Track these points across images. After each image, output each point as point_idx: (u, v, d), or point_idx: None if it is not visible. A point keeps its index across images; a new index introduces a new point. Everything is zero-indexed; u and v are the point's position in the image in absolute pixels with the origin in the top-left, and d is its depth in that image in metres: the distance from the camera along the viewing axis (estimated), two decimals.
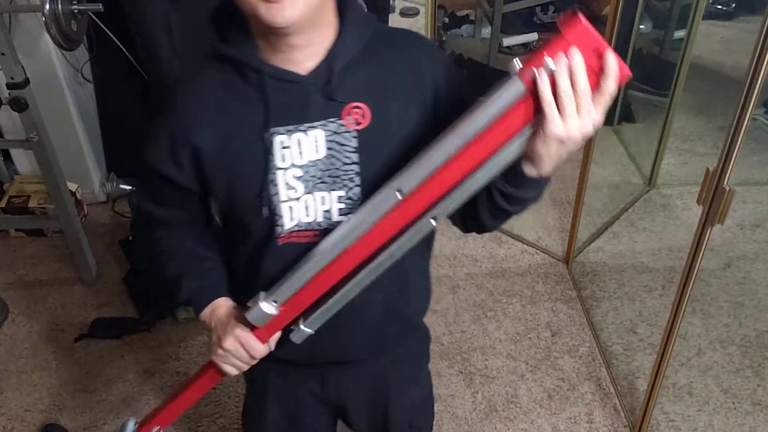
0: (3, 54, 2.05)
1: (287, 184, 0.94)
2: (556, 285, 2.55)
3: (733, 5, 4.49)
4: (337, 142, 0.93)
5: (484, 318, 2.42)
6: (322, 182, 0.95)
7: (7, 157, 2.95)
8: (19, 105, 2.13)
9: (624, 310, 2.43)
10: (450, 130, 0.84)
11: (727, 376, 2.17)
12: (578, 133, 0.82)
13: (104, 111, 3.01)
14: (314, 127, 0.93)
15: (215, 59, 0.99)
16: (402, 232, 0.91)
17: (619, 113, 3.40)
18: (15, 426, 2.09)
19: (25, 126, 2.21)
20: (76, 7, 2.21)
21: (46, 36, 2.36)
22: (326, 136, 0.93)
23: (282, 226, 0.97)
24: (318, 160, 0.94)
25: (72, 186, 2.76)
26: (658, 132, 2.95)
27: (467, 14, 4.54)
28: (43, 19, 2.11)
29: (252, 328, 1.01)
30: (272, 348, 1.05)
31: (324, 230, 0.97)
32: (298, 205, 0.96)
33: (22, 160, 2.91)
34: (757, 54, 1.28)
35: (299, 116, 0.93)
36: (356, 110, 0.93)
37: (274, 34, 0.89)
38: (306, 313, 1.00)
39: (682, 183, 3.07)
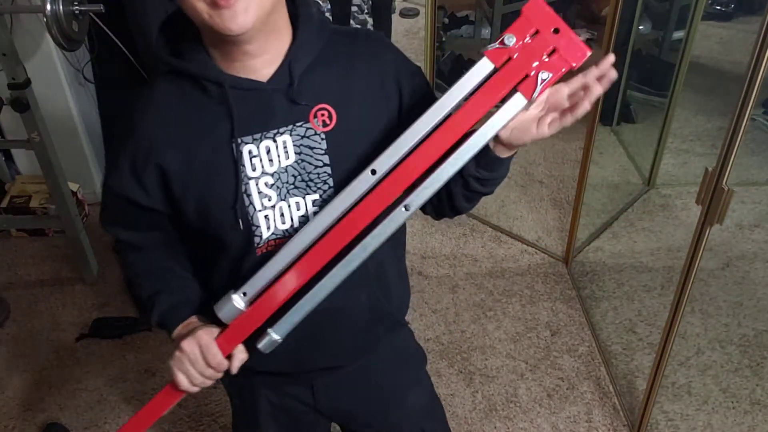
0: (4, 54, 2.06)
1: (260, 192, 0.93)
2: (555, 285, 2.56)
3: (732, 6, 4.50)
4: (307, 146, 0.92)
5: (484, 318, 2.42)
6: (294, 187, 0.94)
7: (9, 157, 2.96)
8: (20, 105, 2.14)
9: (623, 309, 2.43)
10: (424, 113, 0.85)
11: (726, 376, 2.17)
12: (528, 140, 0.86)
13: (105, 111, 3.01)
14: (281, 133, 0.92)
15: (169, 74, 0.94)
16: (375, 223, 0.89)
17: (619, 114, 3.41)
18: (16, 425, 2.09)
19: (27, 126, 2.21)
20: (77, 7, 2.21)
21: (48, 36, 2.36)
22: (294, 141, 0.92)
23: (260, 236, 0.95)
24: (289, 165, 0.93)
25: (73, 186, 2.77)
26: (658, 132, 2.96)
27: (467, 15, 4.54)
28: (44, 19, 2.11)
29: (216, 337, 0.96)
30: (231, 365, 0.97)
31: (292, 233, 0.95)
32: (274, 213, 0.94)
33: (24, 160, 2.92)
34: (756, 54, 1.29)
35: (265, 123, 0.91)
36: (322, 112, 0.92)
37: (229, 43, 0.87)
38: (273, 320, 0.95)
39: (681, 183, 3.07)
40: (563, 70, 0.82)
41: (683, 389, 2.13)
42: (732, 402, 2.09)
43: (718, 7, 4.50)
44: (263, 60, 0.90)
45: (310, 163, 0.93)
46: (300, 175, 0.93)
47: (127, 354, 2.31)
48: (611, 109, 3.37)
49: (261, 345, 0.95)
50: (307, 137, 0.92)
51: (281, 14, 0.90)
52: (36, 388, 2.21)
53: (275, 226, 0.95)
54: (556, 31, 0.80)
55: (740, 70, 1.33)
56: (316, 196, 0.94)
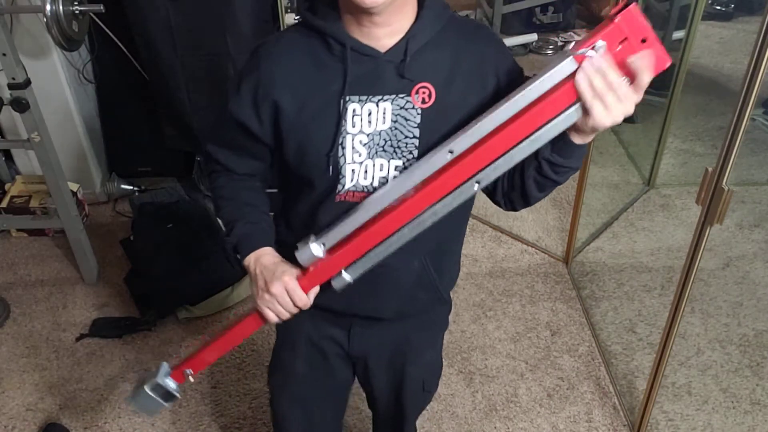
0: (4, 54, 2.05)
1: (353, 148, 1.03)
2: (555, 285, 2.56)
3: (732, 6, 4.50)
4: (403, 117, 1.02)
5: (484, 317, 2.42)
6: (383, 150, 1.03)
7: (9, 157, 2.96)
8: (20, 105, 2.14)
9: (623, 309, 2.43)
10: (503, 100, 0.91)
11: (726, 376, 2.17)
12: (620, 117, 0.88)
13: (105, 111, 3.02)
14: (384, 100, 1.01)
15: (301, 27, 1.05)
16: (447, 193, 0.97)
17: None
18: (16, 425, 2.09)
19: (27, 126, 2.21)
20: (77, 7, 2.21)
21: (48, 36, 2.36)
22: (393, 110, 1.01)
23: (343, 185, 1.05)
24: (383, 130, 1.02)
25: (73, 186, 2.77)
26: (658, 132, 2.96)
27: (467, 15, 4.55)
28: (45, 19, 2.12)
29: (297, 278, 1.08)
30: (311, 302, 1.10)
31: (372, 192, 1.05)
32: (360, 169, 1.04)
33: (24, 160, 2.92)
34: (755, 54, 1.29)
35: (373, 88, 1.01)
36: (424, 89, 1.01)
37: (360, 12, 0.96)
38: (348, 265, 1.06)
39: (681, 183, 3.08)
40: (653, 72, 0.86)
41: (683, 389, 2.14)
42: (732, 402, 2.09)
43: (718, 7, 4.50)
44: (386, 31, 0.99)
45: (401, 132, 1.02)
46: (390, 140, 1.03)
47: (127, 354, 2.31)
48: None
49: (334, 282, 1.08)
50: (405, 109, 1.01)
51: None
52: (36, 388, 2.21)
53: (357, 180, 1.04)
54: (644, 41, 0.84)
55: (740, 70, 1.33)
56: (399, 163, 1.03)
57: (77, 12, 2.23)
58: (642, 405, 1.93)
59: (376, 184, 1.04)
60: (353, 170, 1.04)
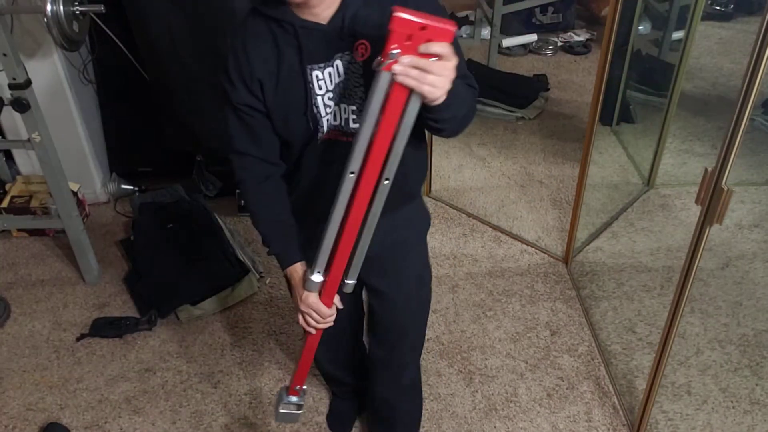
0: (5, 55, 2.06)
1: (324, 104, 1.27)
2: (555, 284, 2.56)
3: (732, 6, 4.50)
4: (351, 70, 1.24)
5: (484, 317, 2.43)
6: (343, 97, 1.26)
7: (9, 157, 2.96)
8: (21, 105, 2.14)
9: (623, 309, 2.44)
10: (362, 120, 1.11)
11: (725, 375, 2.18)
12: (447, 84, 1.05)
13: (106, 111, 3.02)
14: (336, 59, 1.23)
15: (257, 16, 1.25)
16: (371, 199, 1.21)
17: (618, 113, 3.41)
18: (17, 425, 2.10)
19: (27, 126, 2.21)
20: (77, 8, 2.21)
21: (48, 37, 2.36)
22: (343, 64, 1.24)
23: (322, 132, 1.30)
24: (340, 81, 1.25)
25: (74, 186, 2.77)
26: (657, 132, 2.97)
27: (467, 15, 4.55)
28: (45, 20, 2.12)
29: (320, 293, 1.36)
30: (339, 306, 1.39)
31: (344, 131, 1.30)
32: (331, 115, 1.28)
33: (24, 161, 2.92)
34: (755, 55, 1.30)
35: (326, 55, 1.23)
36: (361, 45, 1.21)
37: (295, 7, 1.19)
38: (345, 273, 1.33)
39: (680, 183, 3.08)
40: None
41: (683, 389, 2.14)
42: (731, 402, 2.10)
43: (718, 8, 4.51)
44: (322, 7, 1.20)
45: (351, 82, 1.25)
46: (346, 89, 1.26)
47: (128, 353, 2.32)
48: (611, 109, 3.37)
49: (345, 289, 1.36)
50: (351, 63, 1.23)
51: None
52: (36, 388, 2.21)
53: (330, 123, 1.29)
54: (423, 28, 1.00)
55: (740, 71, 1.34)
56: (354, 107, 1.27)
57: (78, 12, 2.23)
58: (641, 405, 1.93)
59: (342, 123, 1.29)
60: (327, 119, 1.28)
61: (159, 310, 2.43)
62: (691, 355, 2.25)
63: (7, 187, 2.88)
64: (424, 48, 1.01)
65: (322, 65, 1.23)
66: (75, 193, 2.73)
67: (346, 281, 1.34)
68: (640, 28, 3.64)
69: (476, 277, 2.60)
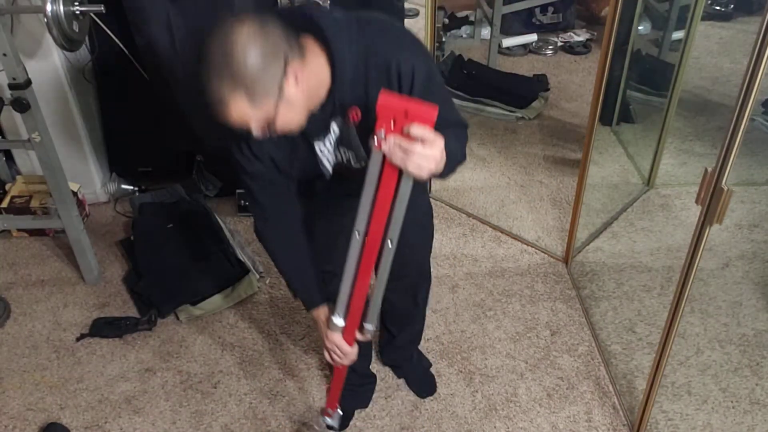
0: (5, 55, 2.06)
1: (327, 159, 1.43)
2: (555, 284, 2.56)
3: (732, 6, 4.50)
4: (345, 127, 1.36)
5: (484, 317, 2.43)
6: (340, 145, 1.40)
7: (9, 157, 2.96)
8: (21, 105, 2.14)
9: (623, 309, 2.44)
10: (363, 189, 1.27)
11: (725, 375, 2.18)
12: (432, 165, 1.17)
13: (106, 111, 3.02)
14: (332, 124, 1.36)
15: None
16: (380, 254, 1.36)
17: (618, 113, 3.41)
18: (17, 425, 2.09)
19: (27, 126, 2.21)
20: (77, 8, 2.21)
21: (48, 37, 2.36)
22: (338, 125, 1.36)
23: (328, 173, 1.47)
24: (337, 136, 1.38)
25: (74, 186, 2.77)
26: (657, 132, 2.97)
27: (467, 15, 4.55)
28: (45, 20, 2.12)
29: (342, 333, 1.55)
30: (355, 351, 1.60)
31: (347, 166, 1.45)
32: (332, 159, 1.44)
33: (24, 161, 2.92)
34: (755, 55, 1.29)
35: (324, 129, 1.36)
36: (353, 111, 1.31)
37: None
38: (363, 316, 1.52)
39: (680, 183, 3.08)
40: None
41: (683, 389, 2.14)
42: (731, 402, 2.10)
43: (718, 8, 4.50)
44: (314, 106, 1.28)
45: (344, 134, 1.37)
46: (343, 140, 1.39)
47: (128, 354, 2.32)
48: (611, 109, 3.37)
49: (368, 334, 1.56)
50: (345, 124, 1.35)
51: (315, 65, 1.22)
52: (36, 388, 2.21)
53: (334, 164, 1.46)
54: (406, 112, 1.11)
55: (740, 70, 1.33)
56: (352, 152, 1.40)
57: (78, 12, 2.23)
58: (641, 405, 1.93)
59: (345, 161, 1.44)
60: (331, 166, 1.45)
61: (159, 310, 2.43)
62: (691, 355, 2.25)
63: (7, 187, 2.88)
64: (406, 130, 1.13)
65: (322, 136, 1.37)
66: (75, 193, 2.72)
67: (365, 324, 1.53)
68: (640, 28, 3.64)
69: (476, 277, 2.60)
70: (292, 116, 1.20)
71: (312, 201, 1.58)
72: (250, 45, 1.08)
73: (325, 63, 1.23)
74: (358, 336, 1.57)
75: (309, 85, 1.20)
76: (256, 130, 1.17)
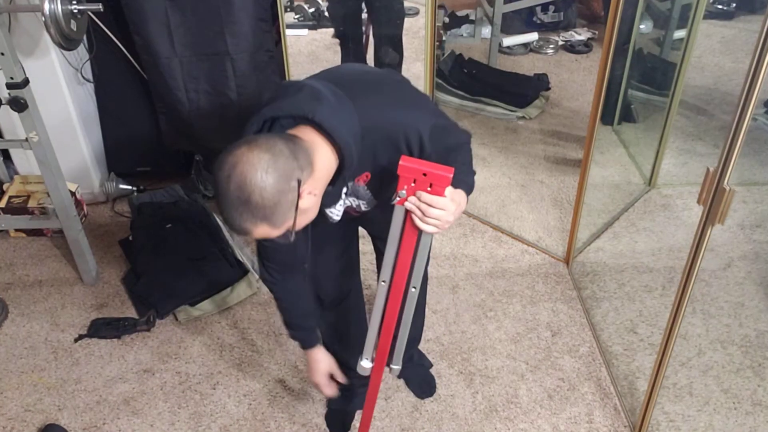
0: (2, 54, 2.05)
1: (336, 214, 1.50)
2: (556, 285, 2.55)
3: (734, 5, 4.49)
4: (355, 187, 1.45)
5: (484, 318, 2.42)
6: (349, 196, 1.49)
7: (7, 157, 2.95)
8: (18, 105, 2.13)
9: (624, 310, 2.42)
10: (387, 242, 1.38)
11: (727, 377, 2.17)
12: (444, 226, 1.29)
13: (104, 111, 3.01)
14: (342, 188, 1.43)
15: None
16: (403, 302, 1.48)
17: (620, 113, 3.40)
18: (15, 426, 2.09)
19: (25, 126, 2.20)
20: (75, 6, 2.20)
21: (46, 36, 2.36)
22: (348, 188, 1.44)
23: (335, 220, 1.52)
24: (346, 193, 1.46)
25: (72, 186, 2.77)
26: (659, 132, 2.95)
27: (467, 14, 4.54)
28: (43, 19, 2.11)
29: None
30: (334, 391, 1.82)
31: (354, 209, 1.53)
32: (341, 209, 1.50)
33: (22, 160, 2.91)
34: (757, 54, 1.28)
35: (336, 199, 1.45)
36: (363, 176, 1.40)
37: None
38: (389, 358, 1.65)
39: (682, 183, 3.07)
40: (443, 191, 1.26)
41: (684, 390, 2.13)
42: (733, 403, 2.08)
43: (720, 6, 4.49)
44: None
45: (357, 192, 1.47)
46: (351, 193, 1.47)
47: (126, 354, 2.31)
48: (612, 109, 3.36)
49: (393, 373, 1.71)
50: (356, 186, 1.44)
51: (327, 170, 1.27)
52: (34, 389, 2.20)
53: (342, 212, 1.51)
54: (425, 174, 1.23)
55: (741, 70, 1.32)
56: (363, 201, 1.49)
57: (76, 11, 2.22)
58: (643, 406, 1.92)
59: (354, 206, 1.52)
60: (337, 218, 1.51)
61: (158, 311, 2.42)
62: (692, 356, 2.24)
63: (4, 187, 2.87)
64: (427, 198, 1.25)
65: (333, 204, 1.45)
66: (73, 193, 2.72)
67: (392, 366, 1.67)
68: (641, 26, 3.61)
69: (477, 278, 2.59)
70: (309, 216, 1.28)
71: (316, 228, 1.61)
72: (265, 179, 1.12)
73: (331, 150, 1.26)
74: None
75: (321, 183, 1.26)
76: (282, 239, 1.25)
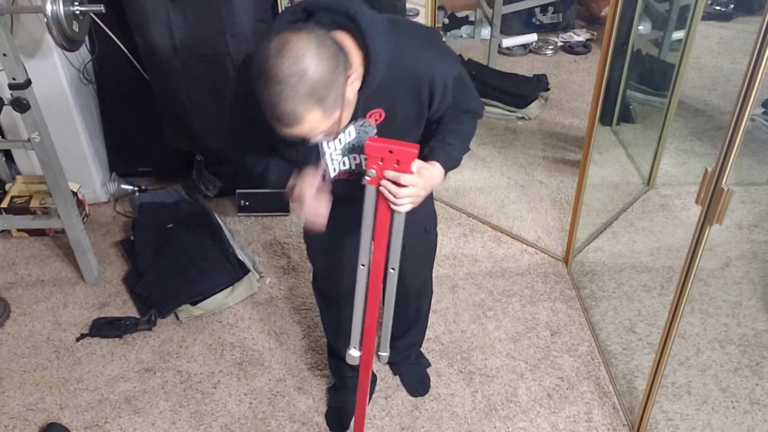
0: (5, 55, 2.05)
1: (332, 157, 1.44)
2: (555, 284, 2.56)
3: (732, 6, 4.50)
4: (363, 130, 1.39)
5: (484, 317, 2.42)
6: (352, 150, 1.43)
7: (9, 157, 2.96)
8: (21, 105, 2.14)
9: (623, 309, 2.43)
10: (362, 223, 1.40)
11: (725, 376, 2.18)
12: (410, 202, 1.33)
13: (106, 111, 3.02)
14: (349, 126, 1.38)
15: None
16: (384, 282, 1.49)
17: (618, 114, 3.41)
18: (17, 425, 2.09)
19: (27, 126, 2.21)
20: (77, 8, 2.21)
21: (48, 37, 2.36)
22: (356, 128, 1.39)
23: (329, 175, 1.47)
24: (351, 140, 1.41)
25: (73, 186, 2.77)
26: (657, 132, 2.96)
27: (467, 15, 4.55)
28: (45, 20, 2.12)
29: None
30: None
31: (354, 172, 1.48)
32: (339, 163, 1.45)
33: (24, 161, 2.92)
34: (755, 54, 1.29)
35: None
36: (375, 113, 1.36)
37: None
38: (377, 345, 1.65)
39: (680, 183, 3.08)
40: (410, 167, 1.30)
41: (683, 389, 2.14)
42: (732, 402, 2.10)
43: (718, 8, 4.50)
44: None
45: (362, 137, 1.40)
46: (357, 144, 1.41)
47: (128, 354, 2.32)
48: (611, 109, 3.37)
49: (381, 361, 1.73)
50: (364, 126, 1.38)
51: (353, 56, 1.22)
52: (36, 388, 2.21)
53: (339, 168, 1.47)
54: (390, 152, 1.26)
55: (740, 70, 1.33)
56: (364, 159, 1.41)
57: (78, 12, 2.23)
58: (642, 405, 1.93)
59: (353, 167, 1.47)
60: (334, 168, 1.46)
61: (159, 310, 2.43)
62: (691, 355, 2.25)
63: (6, 187, 2.88)
64: (393, 175, 1.28)
65: (338, 137, 1.39)
66: (75, 193, 2.72)
67: (380, 353, 1.66)
68: (640, 28, 3.63)
69: (476, 277, 2.60)
70: (347, 118, 1.25)
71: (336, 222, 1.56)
72: (319, 60, 1.09)
73: (360, 63, 1.24)
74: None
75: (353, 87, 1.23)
76: (321, 138, 1.21)
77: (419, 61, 1.33)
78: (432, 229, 1.84)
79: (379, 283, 1.47)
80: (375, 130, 1.39)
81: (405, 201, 1.31)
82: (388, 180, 1.30)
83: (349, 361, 1.66)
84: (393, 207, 1.33)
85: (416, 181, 1.30)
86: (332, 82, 1.12)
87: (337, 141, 1.41)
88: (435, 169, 1.38)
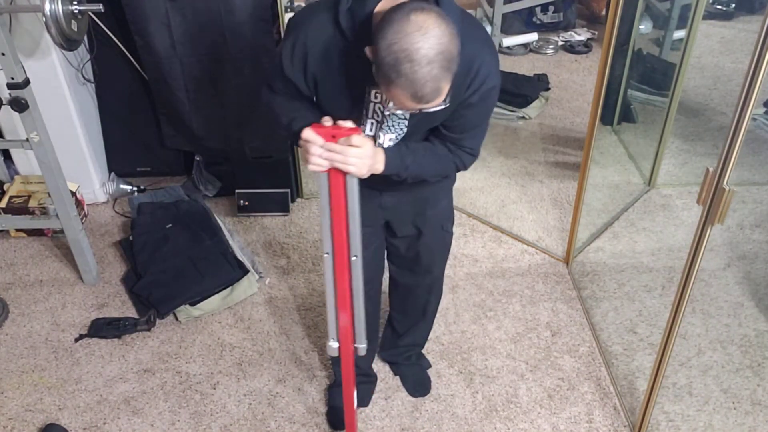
0: (3, 54, 2.05)
1: (370, 126, 1.45)
2: (556, 285, 2.55)
3: (733, 5, 4.49)
4: (396, 116, 1.42)
5: (484, 318, 2.42)
6: (386, 126, 1.44)
7: (8, 157, 2.95)
8: (19, 105, 2.13)
9: (624, 309, 2.43)
10: (321, 210, 1.41)
11: (727, 376, 2.17)
12: (363, 168, 1.34)
13: (105, 111, 3.01)
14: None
15: (336, 25, 1.33)
16: (350, 274, 1.49)
17: (619, 113, 3.40)
18: (15, 426, 2.09)
19: (26, 126, 2.21)
20: (76, 7, 2.21)
21: (47, 36, 2.36)
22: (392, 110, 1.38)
23: (363, 131, 1.44)
24: (387, 115, 1.42)
25: (72, 186, 2.77)
26: (658, 132, 2.96)
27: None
28: (44, 19, 2.11)
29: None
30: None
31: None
32: (375, 128, 1.45)
33: (23, 161, 2.91)
34: (756, 54, 1.29)
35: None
36: None
37: None
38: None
39: (681, 183, 3.07)
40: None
41: (684, 390, 2.13)
42: (733, 403, 2.09)
43: (719, 7, 4.49)
44: None
45: (396, 123, 1.44)
46: (390, 125, 1.44)
47: (127, 354, 2.31)
48: (612, 109, 3.36)
49: (360, 350, 1.63)
50: (396, 115, 1.41)
51: None
52: (35, 389, 2.20)
53: (374, 134, 1.46)
54: (334, 136, 1.31)
55: (741, 70, 1.33)
56: (393, 135, 1.46)
57: (76, 11, 2.22)
58: (643, 405, 1.92)
59: (384, 143, 1.47)
60: (371, 124, 1.44)
61: (158, 311, 2.42)
62: (692, 356, 2.24)
63: (5, 187, 2.87)
64: (344, 140, 1.30)
65: (380, 93, 1.38)
66: (73, 193, 2.72)
67: (357, 346, 1.61)
68: (641, 27, 3.62)
69: (476, 278, 2.59)
70: None
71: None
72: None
73: None
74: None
75: None
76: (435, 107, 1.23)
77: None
78: (448, 229, 1.84)
79: (345, 272, 1.47)
80: (405, 118, 1.43)
81: (355, 162, 1.30)
82: (337, 148, 1.31)
83: (329, 352, 1.65)
84: (344, 167, 1.31)
85: (365, 141, 1.31)
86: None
87: (379, 102, 1.41)
88: (380, 153, 1.39)
